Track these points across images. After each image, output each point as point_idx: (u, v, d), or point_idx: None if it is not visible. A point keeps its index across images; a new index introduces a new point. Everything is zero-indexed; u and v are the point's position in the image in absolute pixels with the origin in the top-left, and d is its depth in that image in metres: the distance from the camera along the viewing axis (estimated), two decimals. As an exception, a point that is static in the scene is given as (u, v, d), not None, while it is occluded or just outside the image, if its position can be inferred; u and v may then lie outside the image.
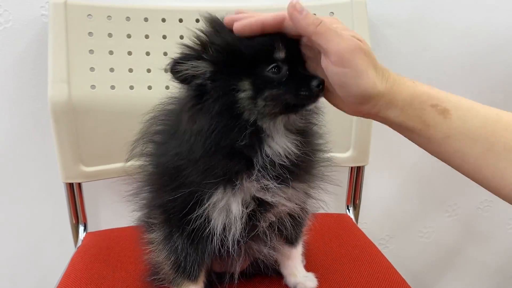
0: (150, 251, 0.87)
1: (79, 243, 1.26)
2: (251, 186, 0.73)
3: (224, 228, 0.76)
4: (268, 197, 0.75)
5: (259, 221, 0.78)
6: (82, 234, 1.28)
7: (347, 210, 1.43)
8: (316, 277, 0.96)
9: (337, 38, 0.64)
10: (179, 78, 0.69)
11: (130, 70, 1.22)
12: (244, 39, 0.68)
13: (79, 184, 1.25)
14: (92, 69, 1.18)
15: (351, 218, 1.38)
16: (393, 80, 0.67)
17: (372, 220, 1.66)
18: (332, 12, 1.27)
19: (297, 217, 0.84)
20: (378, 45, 1.40)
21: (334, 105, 0.73)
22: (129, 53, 1.21)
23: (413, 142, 0.70)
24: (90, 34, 1.17)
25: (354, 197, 1.42)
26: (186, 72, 0.68)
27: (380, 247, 1.74)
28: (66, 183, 1.24)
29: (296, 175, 0.76)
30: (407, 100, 0.65)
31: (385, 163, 1.59)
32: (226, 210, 0.74)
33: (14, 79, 1.28)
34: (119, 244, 1.17)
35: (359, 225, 1.44)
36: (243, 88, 0.67)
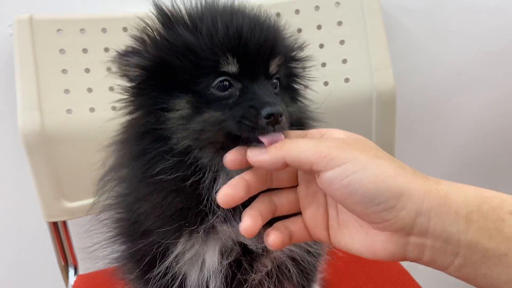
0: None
1: (70, 288, 1.11)
2: (226, 227, 0.56)
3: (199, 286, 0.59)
4: (250, 242, 0.57)
5: (247, 274, 0.60)
6: (72, 278, 1.14)
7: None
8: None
9: (311, 142, 0.48)
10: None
11: (111, 89, 1.06)
12: (194, 43, 0.54)
13: (64, 222, 1.11)
14: (66, 91, 1.04)
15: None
16: (436, 181, 0.46)
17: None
18: (338, 3, 1.10)
19: (302, 261, 0.64)
20: (395, 36, 1.22)
21: (352, 247, 0.51)
22: (109, 69, 1.06)
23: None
24: (61, 51, 1.03)
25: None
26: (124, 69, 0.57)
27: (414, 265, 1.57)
28: (50, 222, 1.09)
29: None
30: (472, 204, 0.44)
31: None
32: (198, 262, 0.58)
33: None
34: (111, 289, 1.02)
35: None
36: (177, 107, 0.54)
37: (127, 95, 0.58)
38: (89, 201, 1.08)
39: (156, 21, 0.57)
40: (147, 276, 0.59)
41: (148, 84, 0.56)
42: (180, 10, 0.58)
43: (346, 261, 0.81)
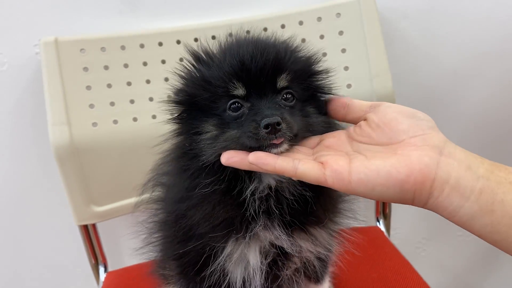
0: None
1: (101, 284, 1.22)
2: (267, 234, 0.65)
3: (243, 282, 0.68)
4: (285, 245, 0.66)
5: (281, 270, 0.70)
6: (103, 275, 1.24)
7: (377, 222, 1.33)
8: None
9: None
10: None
11: (132, 101, 1.16)
12: (208, 74, 0.64)
13: (94, 225, 1.21)
14: (91, 105, 1.12)
15: (383, 231, 1.29)
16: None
17: (406, 225, 1.56)
18: (339, 13, 1.17)
19: (325, 258, 0.76)
20: (393, 40, 1.29)
21: (385, 165, 0.56)
22: (129, 83, 1.15)
23: None
24: (85, 69, 1.12)
25: (383, 206, 1.32)
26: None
27: (417, 251, 1.66)
28: (80, 225, 1.19)
29: (312, 213, 0.66)
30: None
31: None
32: (243, 261, 0.67)
33: (16, 122, 1.25)
34: (140, 285, 1.12)
35: (392, 231, 1.36)
36: (206, 129, 0.64)
37: (174, 123, 0.69)
38: (116, 204, 1.19)
39: (189, 61, 0.68)
40: (203, 274, 0.68)
41: (185, 114, 0.67)
42: (205, 50, 0.68)
43: (351, 253, 0.91)
